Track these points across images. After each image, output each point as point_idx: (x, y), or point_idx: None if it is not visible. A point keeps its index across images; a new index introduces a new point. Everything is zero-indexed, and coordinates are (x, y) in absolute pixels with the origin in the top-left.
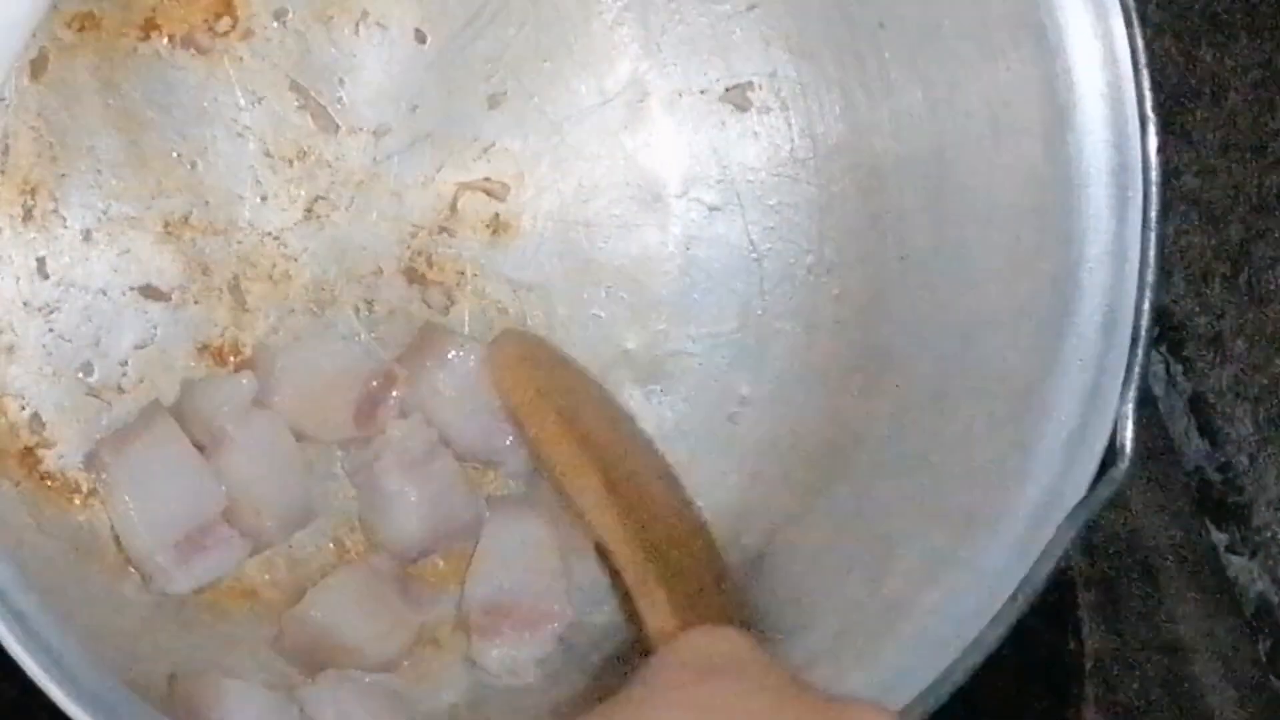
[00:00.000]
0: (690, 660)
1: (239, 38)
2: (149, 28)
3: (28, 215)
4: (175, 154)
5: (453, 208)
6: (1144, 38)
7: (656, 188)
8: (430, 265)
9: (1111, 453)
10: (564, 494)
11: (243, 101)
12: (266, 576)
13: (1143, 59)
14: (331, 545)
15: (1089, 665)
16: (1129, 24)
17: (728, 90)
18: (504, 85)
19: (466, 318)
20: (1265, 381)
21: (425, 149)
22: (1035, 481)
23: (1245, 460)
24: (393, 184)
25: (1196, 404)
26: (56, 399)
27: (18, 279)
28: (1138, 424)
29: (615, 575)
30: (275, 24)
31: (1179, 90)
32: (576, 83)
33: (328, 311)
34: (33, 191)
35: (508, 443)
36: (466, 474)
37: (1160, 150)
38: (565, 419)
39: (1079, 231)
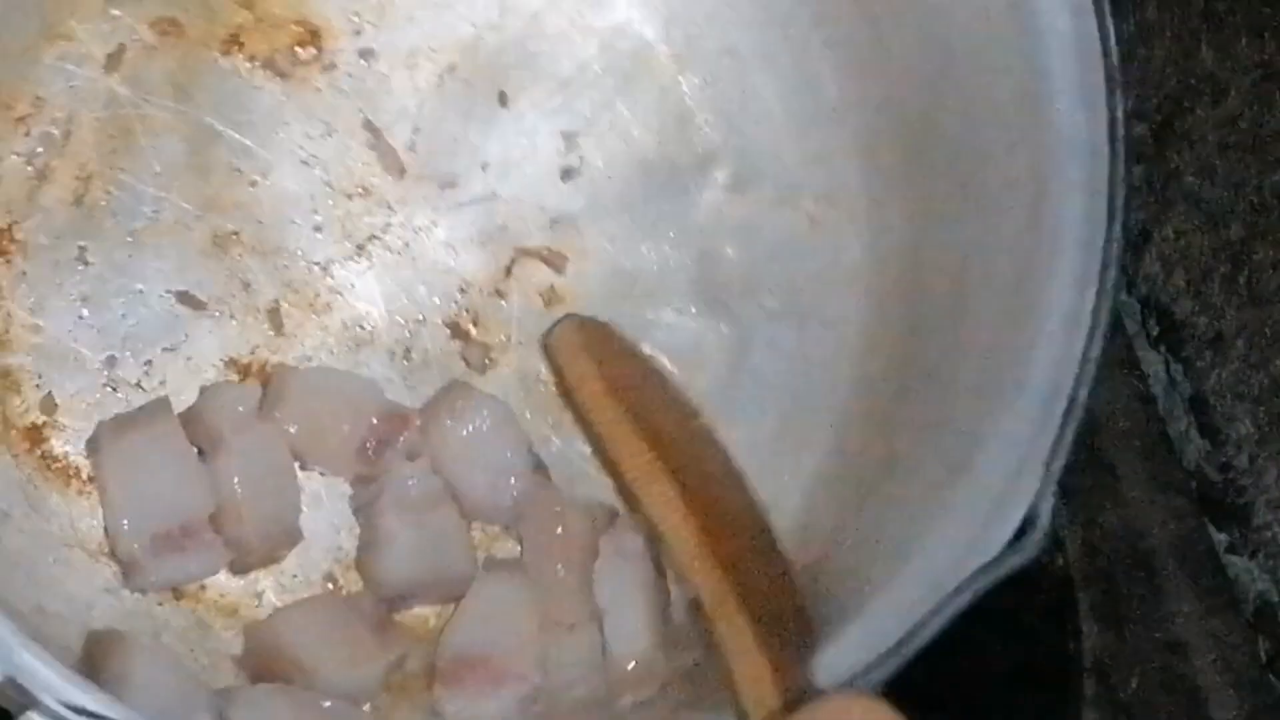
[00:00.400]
0: None
1: (320, 69)
2: (232, 43)
3: (78, 201)
4: (237, 169)
5: (508, 271)
6: (1143, 39)
7: (718, 287)
8: (475, 324)
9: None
10: (632, 499)
11: (313, 130)
12: (252, 599)
13: (1122, 149)
14: (324, 580)
15: (1088, 664)
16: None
17: (802, 198)
18: (580, 159)
19: (503, 381)
20: (1265, 381)
21: (490, 209)
22: (950, 544)
23: (1245, 460)
24: (451, 237)
25: (1196, 404)
26: (74, 385)
27: (57, 262)
28: (1059, 495)
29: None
30: (360, 61)
31: (1179, 90)
32: (656, 170)
33: (363, 350)
34: (87, 179)
35: (510, 503)
36: (469, 532)
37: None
38: (634, 416)
39: (1044, 304)
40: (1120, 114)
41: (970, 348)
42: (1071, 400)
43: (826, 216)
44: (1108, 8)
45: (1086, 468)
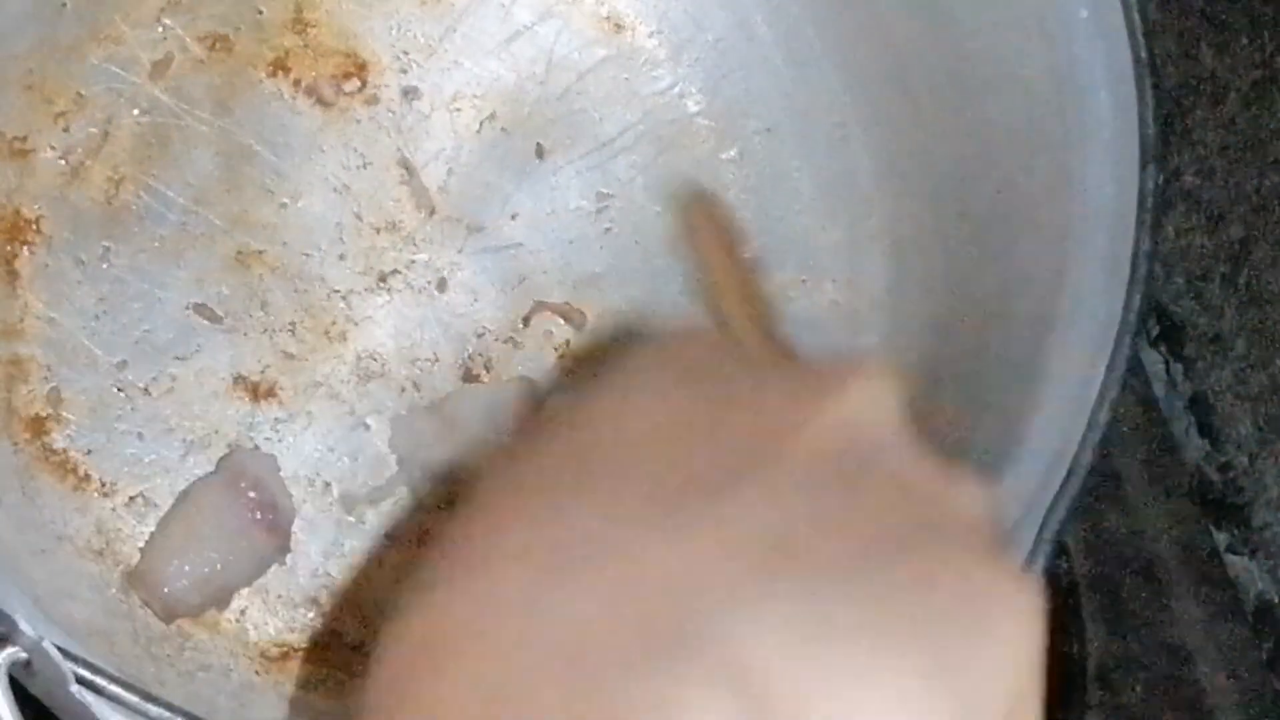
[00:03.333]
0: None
1: (363, 101)
2: (278, 66)
3: (108, 201)
4: (269, 190)
5: (525, 321)
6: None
7: None
8: (487, 370)
9: None
10: None
11: (349, 161)
12: (234, 614)
13: (1149, 220)
14: (307, 602)
15: (1092, 669)
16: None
17: (824, 281)
18: (611, 219)
19: None
20: (1265, 381)
21: (514, 258)
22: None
23: (1245, 460)
24: (472, 281)
25: (1196, 404)
26: (83, 382)
27: (79, 259)
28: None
29: None
30: (402, 99)
31: (1179, 90)
32: (684, 240)
33: (373, 383)
34: (119, 182)
35: None
36: None
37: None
38: None
39: (1055, 374)
40: (1151, 187)
41: (977, 421)
42: (1073, 466)
43: (847, 301)
44: (1148, 82)
45: (1091, 472)
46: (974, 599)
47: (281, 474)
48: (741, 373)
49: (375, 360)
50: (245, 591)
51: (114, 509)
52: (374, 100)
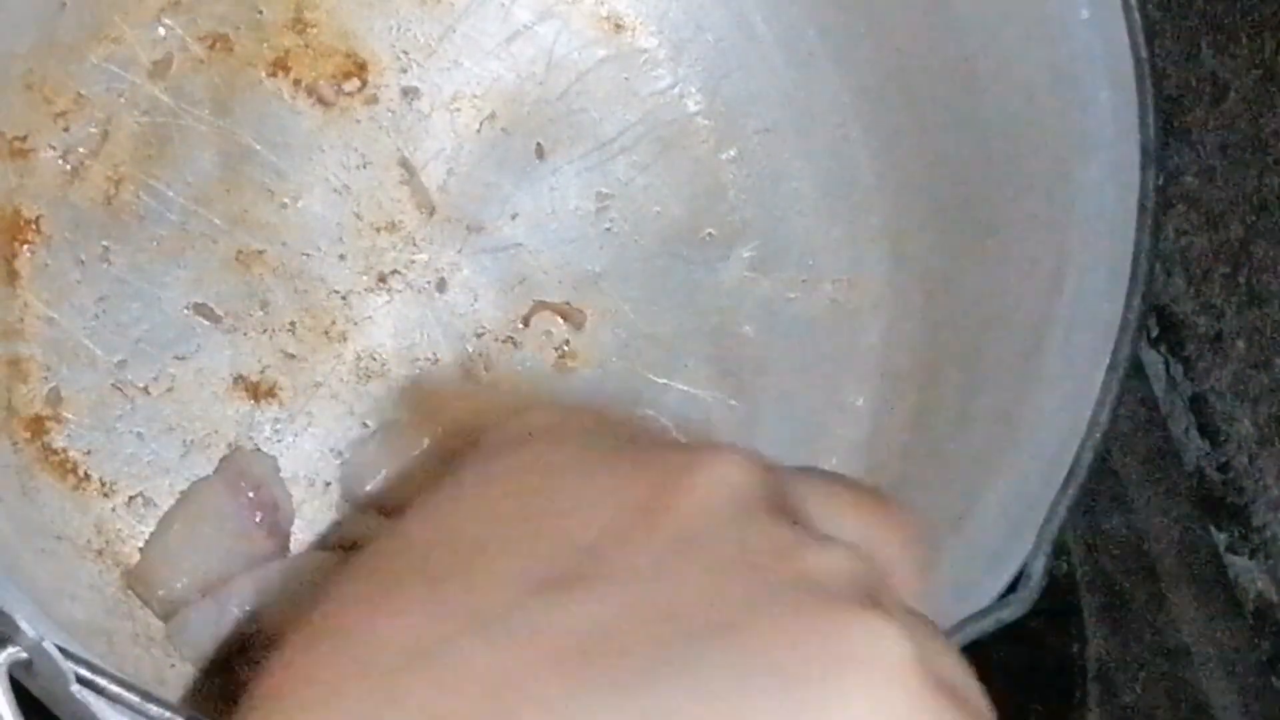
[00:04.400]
0: (509, 434)
1: (363, 101)
2: (279, 66)
3: (108, 201)
4: (269, 189)
5: (525, 322)
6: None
7: (733, 362)
8: (486, 369)
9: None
10: None
11: (349, 161)
12: None
13: (1150, 221)
14: None
15: (1092, 670)
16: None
17: (824, 280)
18: (611, 219)
19: None
20: (1265, 381)
21: (514, 257)
22: (941, 594)
23: (1245, 460)
24: (472, 281)
25: (1196, 404)
26: (82, 382)
27: (79, 259)
28: (1052, 555)
29: None
30: (402, 99)
31: (1179, 90)
32: (683, 240)
33: (373, 382)
34: (119, 181)
35: None
36: None
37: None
38: None
39: (1055, 374)
40: (1151, 187)
41: (977, 419)
42: (1074, 466)
43: (847, 299)
44: (1148, 82)
45: (1091, 472)
46: (823, 661)
47: (281, 474)
48: (585, 461)
49: (375, 360)
50: None
51: (114, 509)
52: (374, 100)
